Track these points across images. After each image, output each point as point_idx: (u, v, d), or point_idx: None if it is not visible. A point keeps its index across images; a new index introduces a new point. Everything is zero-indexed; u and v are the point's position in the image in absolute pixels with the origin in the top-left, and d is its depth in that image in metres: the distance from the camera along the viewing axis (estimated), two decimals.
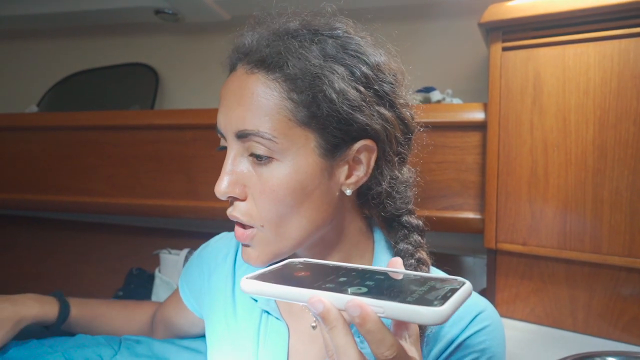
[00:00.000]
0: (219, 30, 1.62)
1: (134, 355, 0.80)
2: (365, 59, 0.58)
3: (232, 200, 0.60)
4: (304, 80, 0.55)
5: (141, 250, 1.57)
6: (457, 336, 0.60)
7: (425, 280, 0.43)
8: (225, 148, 0.61)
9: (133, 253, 1.63)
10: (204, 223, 1.52)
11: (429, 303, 0.37)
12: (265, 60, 0.57)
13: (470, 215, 1.10)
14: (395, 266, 0.47)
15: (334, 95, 0.55)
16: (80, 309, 0.87)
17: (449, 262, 0.80)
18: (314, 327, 0.65)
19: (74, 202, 1.44)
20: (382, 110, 0.59)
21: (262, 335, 0.67)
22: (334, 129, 0.57)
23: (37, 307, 0.81)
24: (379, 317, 0.39)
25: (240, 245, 0.77)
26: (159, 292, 1.39)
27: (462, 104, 1.16)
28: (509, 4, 0.97)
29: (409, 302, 0.37)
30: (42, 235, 1.80)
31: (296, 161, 0.57)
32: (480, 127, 1.06)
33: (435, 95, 1.22)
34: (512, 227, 1.01)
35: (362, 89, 0.57)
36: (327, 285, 0.42)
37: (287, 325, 0.66)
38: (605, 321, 0.95)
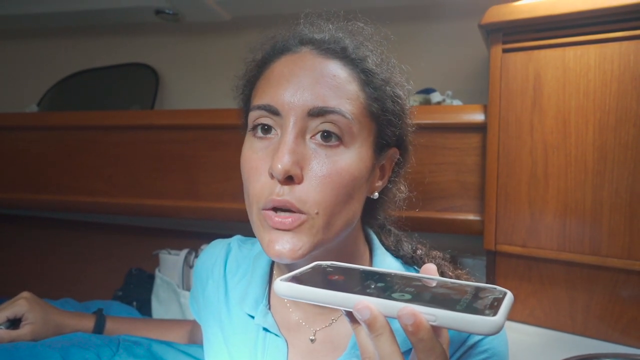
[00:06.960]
0: (219, 31, 1.62)
1: (132, 356, 0.80)
2: (405, 78, 0.65)
3: (284, 183, 0.55)
4: (378, 77, 0.60)
5: (141, 251, 1.57)
6: (460, 346, 0.59)
7: (463, 288, 0.42)
8: (267, 128, 0.58)
9: (132, 253, 1.63)
10: (203, 223, 1.52)
11: (480, 312, 0.36)
12: (345, 50, 0.59)
13: (469, 216, 1.10)
14: (429, 273, 0.46)
15: (401, 97, 0.62)
16: (115, 324, 0.95)
17: None
18: (312, 341, 0.65)
19: (74, 202, 1.44)
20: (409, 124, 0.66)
21: (260, 351, 0.65)
22: (390, 129, 0.61)
23: (76, 318, 0.92)
24: (431, 325, 0.38)
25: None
26: (159, 292, 1.39)
27: (462, 106, 1.16)
28: (509, 5, 0.96)
29: (460, 311, 0.37)
30: (41, 235, 1.80)
31: (360, 150, 0.58)
32: (480, 128, 1.06)
33: (435, 97, 1.22)
34: (512, 228, 1.01)
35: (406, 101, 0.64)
36: (369, 291, 0.41)
37: (286, 340, 0.65)
38: (604, 323, 0.95)
